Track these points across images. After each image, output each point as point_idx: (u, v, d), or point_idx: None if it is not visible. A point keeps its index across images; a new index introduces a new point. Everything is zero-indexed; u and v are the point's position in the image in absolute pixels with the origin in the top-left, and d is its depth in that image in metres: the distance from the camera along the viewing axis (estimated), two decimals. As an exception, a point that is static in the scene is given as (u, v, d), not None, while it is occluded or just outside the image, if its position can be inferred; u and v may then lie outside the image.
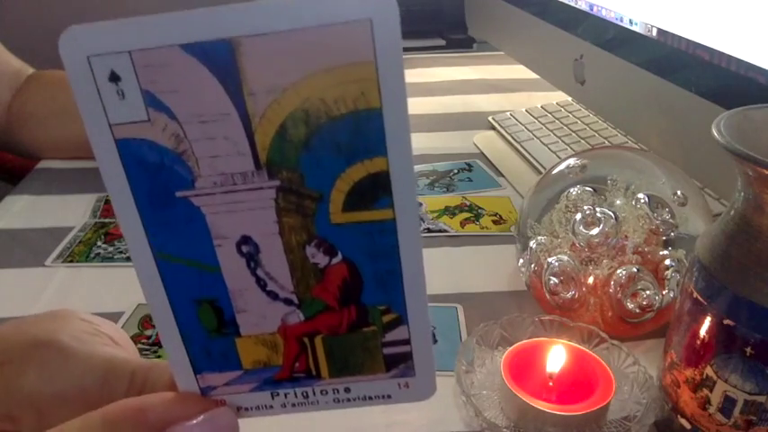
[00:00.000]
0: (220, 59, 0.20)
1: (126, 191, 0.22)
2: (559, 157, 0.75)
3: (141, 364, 0.29)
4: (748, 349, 0.33)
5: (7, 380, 0.29)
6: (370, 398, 0.26)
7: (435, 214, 0.68)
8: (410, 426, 0.43)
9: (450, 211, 0.69)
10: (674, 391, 0.39)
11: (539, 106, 0.90)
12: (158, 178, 0.22)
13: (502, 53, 1.06)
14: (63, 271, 0.60)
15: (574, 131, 0.82)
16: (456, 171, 0.78)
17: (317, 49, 0.20)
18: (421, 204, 0.70)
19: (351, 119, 0.21)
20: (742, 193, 0.34)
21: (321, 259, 0.23)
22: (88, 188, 0.73)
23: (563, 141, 0.80)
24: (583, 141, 0.79)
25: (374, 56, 0.20)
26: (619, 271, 0.47)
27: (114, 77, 0.20)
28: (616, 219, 0.47)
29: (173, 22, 0.20)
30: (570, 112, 0.87)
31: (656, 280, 0.47)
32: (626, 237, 0.48)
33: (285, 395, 0.26)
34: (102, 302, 0.54)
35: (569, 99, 0.89)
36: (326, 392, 0.26)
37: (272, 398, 0.26)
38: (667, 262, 0.47)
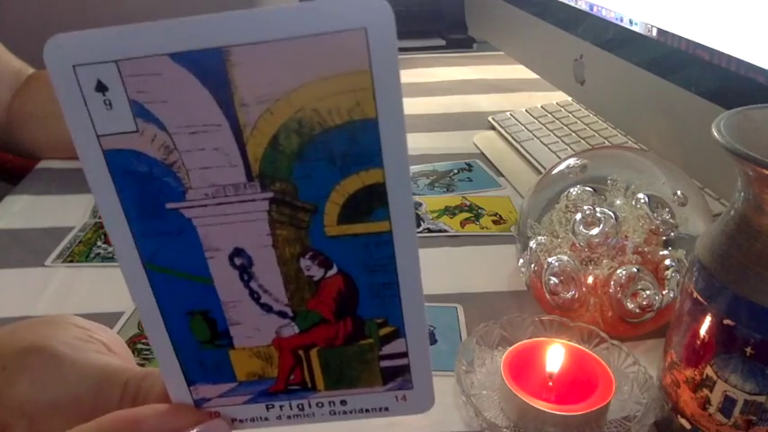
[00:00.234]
0: (211, 69, 0.20)
1: (115, 202, 0.22)
2: (559, 157, 0.75)
3: (135, 373, 0.28)
4: (748, 349, 0.33)
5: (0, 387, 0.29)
6: (367, 410, 0.26)
7: (435, 214, 0.68)
8: (410, 426, 0.43)
9: (450, 211, 0.69)
10: (674, 391, 0.39)
11: (539, 106, 0.90)
12: (148, 190, 0.22)
13: (502, 53, 1.06)
14: (63, 271, 0.60)
15: (574, 131, 0.82)
16: (456, 171, 0.78)
17: (311, 59, 0.20)
18: (421, 204, 0.70)
19: (346, 129, 0.21)
20: (742, 193, 0.34)
21: (316, 272, 0.23)
22: (88, 188, 0.73)
23: (563, 141, 0.80)
24: (583, 141, 0.79)
25: (369, 65, 0.20)
26: (619, 271, 0.47)
27: (101, 87, 0.20)
28: (616, 219, 0.47)
29: (161, 30, 0.19)
30: (570, 112, 0.87)
31: (656, 280, 0.47)
32: (626, 237, 0.48)
33: (280, 407, 0.26)
34: (102, 303, 0.54)
35: (569, 99, 0.89)
36: (322, 405, 0.26)
37: (267, 410, 0.26)
38: (667, 262, 0.47)
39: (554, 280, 0.49)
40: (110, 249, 0.62)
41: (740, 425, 0.35)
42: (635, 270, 0.47)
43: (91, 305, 0.54)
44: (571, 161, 0.54)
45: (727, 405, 0.35)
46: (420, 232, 0.65)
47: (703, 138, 0.49)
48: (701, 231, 0.40)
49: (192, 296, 0.24)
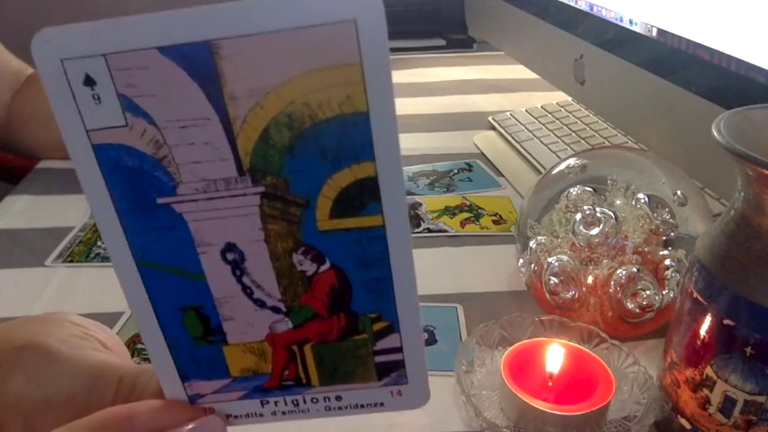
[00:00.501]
0: (199, 62, 0.20)
1: (105, 198, 0.22)
2: (559, 157, 0.75)
3: (129, 370, 0.28)
4: (748, 349, 0.33)
5: None
6: (362, 406, 0.26)
7: (435, 214, 0.68)
8: (410, 426, 0.43)
9: (450, 211, 0.69)
10: (674, 391, 0.39)
11: (539, 106, 0.90)
12: (138, 185, 0.21)
13: (502, 53, 1.06)
14: (63, 271, 0.60)
15: (574, 131, 0.82)
16: (456, 171, 0.78)
17: (301, 52, 0.19)
18: (421, 204, 0.70)
19: (337, 123, 0.20)
20: (742, 193, 0.34)
21: (309, 267, 0.23)
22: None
23: (563, 141, 0.80)
24: (583, 141, 0.79)
25: (360, 58, 0.19)
26: (619, 271, 0.47)
27: (89, 81, 0.20)
28: (616, 219, 0.47)
29: (150, 23, 0.19)
30: (570, 112, 0.87)
31: (656, 280, 0.47)
32: (626, 237, 0.48)
33: (275, 403, 0.26)
34: (101, 302, 0.54)
35: (569, 99, 0.89)
36: (317, 400, 0.26)
37: (262, 406, 0.26)
38: (667, 262, 0.47)
39: (554, 280, 0.49)
40: (106, 249, 0.62)
41: (740, 425, 0.35)
42: (635, 270, 0.47)
43: (91, 305, 0.54)
44: (571, 161, 0.54)
45: (727, 405, 0.35)
46: (420, 232, 0.65)
47: (703, 138, 0.49)
48: (700, 231, 0.40)
49: (185, 292, 0.23)
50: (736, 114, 0.35)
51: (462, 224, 0.66)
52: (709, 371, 0.36)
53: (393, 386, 0.25)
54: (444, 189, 0.74)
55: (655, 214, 0.48)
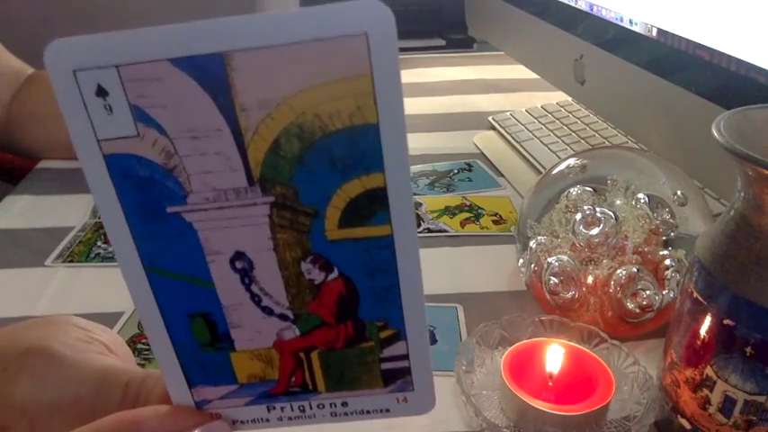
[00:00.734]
0: (211, 74, 0.20)
1: (115, 206, 0.22)
2: (559, 157, 0.75)
3: (135, 375, 0.28)
4: (748, 349, 0.33)
5: None
6: (368, 412, 0.26)
7: (435, 214, 0.68)
8: (410, 426, 0.43)
9: (450, 211, 0.69)
10: (674, 391, 0.39)
11: (539, 106, 0.90)
12: (149, 194, 0.22)
13: (502, 53, 1.06)
14: (63, 271, 0.60)
15: (574, 131, 0.82)
16: (456, 171, 0.78)
17: (312, 64, 0.20)
18: (421, 204, 0.70)
19: (347, 134, 0.21)
20: (742, 193, 0.34)
21: (317, 275, 0.23)
22: (88, 188, 0.73)
23: (563, 141, 0.80)
24: (583, 141, 0.79)
25: (370, 70, 0.20)
26: (619, 271, 0.47)
27: (101, 92, 0.20)
28: (616, 219, 0.47)
29: (162, 35, 0.19)
30: (570, 112, 0.87)
31: (656, 280, 0.47)
32: (626, 237, 0.48)
33: (281, 409, 0.26)
34: (102, 303, 0.54)
35: (569, 99, 0.89)
36: (323, 406, 0.26)
37: (269, 411, 0.26)
38: (667, 262, 0.47)
39: (554, 280, 0.49)
40: (110, 249, 0.62)
41: (740, 425, 0.35)
42: (635, 270, 0.47)
43: (91, 305, 0.54)
44: (571, 161, 0.54)
45: (727, 405, 0.35)
46: (420, 232, 0.65)
47: (703, 138, 0.49)
48: (700, 231, 0.40)
49: (193, 299, 0.24)
50: (736, 114, 0.35)
51: (462, 224, 0.66)
52: (709, 371, 0.36)
53: (399, 393, 0.26)
54: (444, 189, 0.74)
55: (655, 214, 0.48)
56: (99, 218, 0.68)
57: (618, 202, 0.49)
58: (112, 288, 0.57)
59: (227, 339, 0.24)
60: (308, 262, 0.23)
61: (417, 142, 0.86)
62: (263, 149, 0.21)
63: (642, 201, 0.48)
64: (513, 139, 0.82)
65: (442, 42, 1.50)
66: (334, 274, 0.23)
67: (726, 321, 0.34)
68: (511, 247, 0.59)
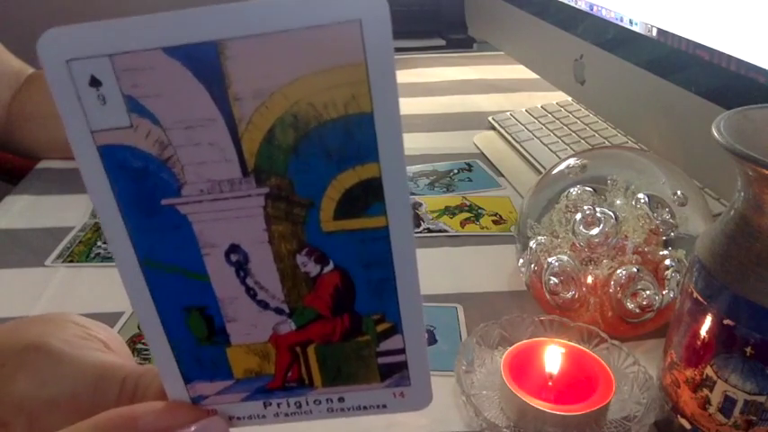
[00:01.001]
0: (205, 63, 0.20)
1: (109, 198, 0.22)
2: (559, 157, 0.75)
3: (133, 371, 0.28)
4: (748, 349, 0.33)
5: None
6: (365, 407, 0.26)
7: (435, 214, 0.68)
8: (410, 426, 0.43)
9: (450, 211, 0.69)
10: (674, 391, 0.39)
11: (539, 106, 0.90)
12: (143, 185, 0.21)
13: (502, 53, 1.06)
14: (63, 271, 0.60)
15: (574, 131, 0.82)
16: (456, 171, 0.78)
17: (306, 52, 0.19)
18: (421, 204, 0.70)
19: (341, 124, 0.20)
20: (742, 193, 0.34)
21: (312, 268, 0.23)
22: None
23: (563, 141, 0.80)
24: (583, 141, 0.79)
25: (365, 58, 0.19)
26: (619, 271, 0.47)
27: (95, 82, 0.20)
28: (616, 219, 0.47)
29: (155, 24, 0.19)
30: (570, 112, 0.87)
31: (656, 280, 0.47)
32: (626, 237, 0.48)
33: (278, 404, 0.26)
34: (101, 302, 0.54)
35: (569, 99, 0.89)
36: (320, 402, 0.26)
37: (265, 407, 0.26)
38: (667, 262, 0.47)
39: (554, 280, 0.49)
40: (110, 249, 0.62)
41: (740, 425, 0.35)
42: (635, 270, 0.47)
43: (91, 305, 0.54)
44: (571, 161, 0.54)
45: (727, 405, 0.35)
46: (420, 232, 0.65)
47: (703, 138, 0.49)
48: (700, 231, 0.40)
49: (189, 293, 0.23)
50: (736, 114, 0.35)
51: (462, 224, 0.66)
52: (709, 371, 0.36)
53: (396, 388, 0.25)
54: (444, 189, 0.74)
55: (655, 214, 0.48)
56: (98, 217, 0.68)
57: (618, 202, 0.49)
58: (112, 288, 0.56)
59: (222, 334, 0.24)
60: (303, 254, 0.23)
61: (417, 142, 0.86)
62: (258, 139, 0.21)
63: (642, 201, 0.48)
64: (513, 139, 0.82)
65: (442, 42, 1.50)
66: (330, 266, 0.23)
67: (726, 321, 0.34)
68: (511, 247, 0.59)
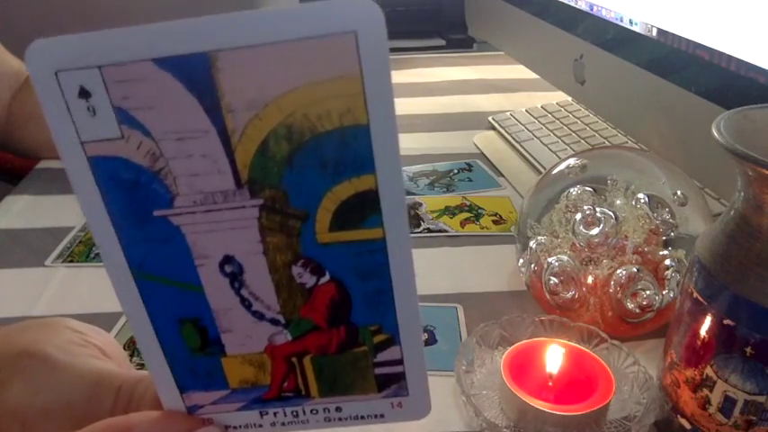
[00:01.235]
0: (196, 74, 0.19)
1: (101, 210, 0.21)
2: (559, 157, 0.75)
3: (128, 378, 0.28)
4: (748, 349, 0.33)
5: None
6: (362, 417, 0.26)
7: (435, 214, 0.68)
8: (409, 426, 0.43)
9: (450, 211, 0.69)
10: (674, 391, 0.39)
11: (539, 106, 0.90)
12: (135, 197, 0.21)
13: (502, 53, 1.06)
14: (63, 271, 0.60)
15: (574, 131, 0.82)
16: (456, 171, 0.78)
17: (300, 64, 0.19)
18: (421, 204, 0.70)
19: (337, 135, 0.20)
20: (742, 193, 0.34)
21: (308, 279, 0.23)
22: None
23: (563, 141, 0.79)
24: (583, 141, 0.79)
25: (360, 70, 0.19)
26: (619, 271, 0.47)
27: (84, 93, 0.20)
28: (616, 219, 0.47)
29: (145, 35, 0.19)
30: (570, 112, 0.87)
31: (656, 280, 0.47)
32: (626, 237, 0.48)
33: (274, 414, 0.26)
34: (101, 303, 0.54)
35: (569, 99, 0.89)
36: (317, 411, 0.26)
37: (261, 417, 0.26)
38: (667, 262, 0.47)
39: (554, 280, 0.49)
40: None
41: (740, 425, 0.35)
42: (635, 270, 0.47)
43: (91, 305, 0.54)
44: (571, 161, 0.54)
45: (727, 405, 0.35)
46: (420, 232, 0.65)
47: (703, 138, 0.49)
48: (700, 231, 0.40)
49: (183, 304, 0.23)
50: (736, 114, 0.35)
51: (462, 224, 0.66)
52: (709, 371, 0.36)
53: (393, 398, 0.25)
54: (444, 189, 0.74)
55: (655, 214, 0.48)
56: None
57: (618, 202, 0.49)
58: (112, 288, 0.56)
59: (217, 344, 0.24)
60: (298, 266, 0.23)
61: (417, 142, 0.86)
62: (251, 151, 0.21)
63: (642, 201, 0.48)
64: (513, 139, 0.82)
65: (442, 42, 1.50)
66: (326, 277, 0.23)
67: (726, 321, 0.34)
68: (511, 247, 0.59)
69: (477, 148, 0.84)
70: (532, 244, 0.52)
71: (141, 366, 0.45)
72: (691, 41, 0.55)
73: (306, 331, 0.24)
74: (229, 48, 0.19)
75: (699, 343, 0.36)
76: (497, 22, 1.00)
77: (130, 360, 0.34)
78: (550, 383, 0.42)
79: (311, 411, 0.26)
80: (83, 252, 0.62)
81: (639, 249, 0.48)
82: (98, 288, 0.57)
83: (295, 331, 0.24)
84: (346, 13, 0.19)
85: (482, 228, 0.66)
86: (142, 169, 0.21)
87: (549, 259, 0.49)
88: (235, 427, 0.26)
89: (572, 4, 0.75)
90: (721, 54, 0.51)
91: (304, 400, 0.25)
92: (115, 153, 0.21)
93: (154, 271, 0.23)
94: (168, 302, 0.23)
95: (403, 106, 0.98)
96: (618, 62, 0.66)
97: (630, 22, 0.64)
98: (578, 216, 0.48)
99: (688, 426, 0.38)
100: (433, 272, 0.58)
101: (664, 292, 0.47)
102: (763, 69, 0.47)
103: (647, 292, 0.46)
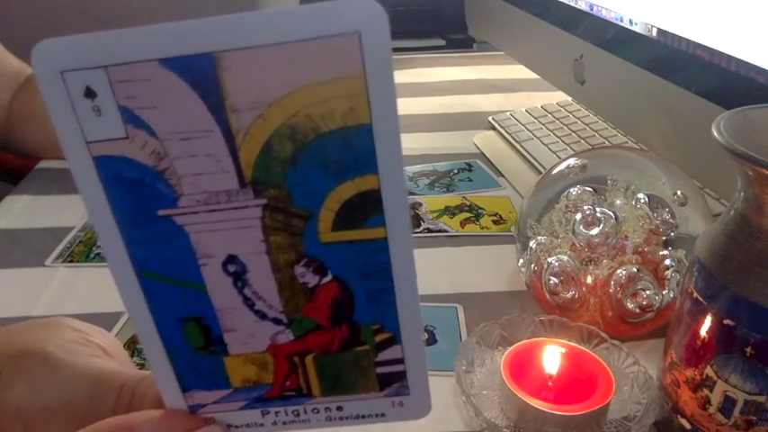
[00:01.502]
0: (201, 75, 0.19)
1: (105, 209, 0.22)
2: (559, 157, 0.75)
3: (130, 377, 0.28)
4: (748, 349, 0.33)
5: None
6: (364, 416, 0.26)
7: (435, 214, 0.68)
8: (409, 426, 0.43)
9: (450, 211, 0.69)
10: (674, 391, 0.39)
11: (539, 106, 0.90)
12: (139, 196, 0.21)
13: (502, 53, 1.06)
14: (63, 271, 0.60)
15: (574, 131, 0.82)
16: (456, 171, 0.78)
17: (303, 64, 0.19)
18: (421, 204, 0.70)
19: (340, 135, 0.20)
20: (742, 193, 0.34)
21: (311, 279, 0.23)
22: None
23: (563, 141, 0.80)
24: (583, 141, 0.79)
25: (363, 70, 0.19)
26: (619, 271, 0.47)
27: (90, 93, 0.20)
28: (616, 219, 0.47)
29: (151, 35, 0.19)
30: (570, 112, 0.87)
31: (656, 280, 0.47)
32: (626, 237, 0.48)
33: (276, 413, 0.26)
34: (102, 303, 0.54)
35: (569, 99, 0.89)
36: (318, 411, 0.26)
37: (263, 416, 0.26)
38: (667, 262, 0.47)
39: (554, 280, 0.49)
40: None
41: (740, 425, 0.35)
42: (635, 270, 0.47)
43: (91, 305, 0.54)
44: (571, 161, 0.54)
45: (727, 405, 0.35)
46: (420, 232, 0.65)
47: (703, 138, 0.49)
48: (700, 231, 0.40)
49: (186, 303, 0.23)
50: (736, 114, 0.35)
51: (462, 224, 0.66)
52: (709, 371, 0.36)
53: (395, 397, 0.25)
54: (444, 189, 0.74)
55: (655, 214, 0.48)
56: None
57: (618, 202, 0.49)
58: (113, 288, 0.56)
59: (220, 343, 0.24)
60: (301, 265, 0.23)
61: (417, 142, 0.86)
62: (255, 151, 0.21)
63: (642, 201, 0.48)
64: (513, 139, 0.82)
65: (442, 42, 1.50)
66: (329, 277, 0.23)
67: (726, 321, 0.34)
68: (511, 247, 0.59)
69: (477, 148, 0.84)
70: (532, 244, 0.52)
71: (141, 366, 0.45)
72: (691, 41, 0.55)
73: (308, 330, 0.24)
74: (234, 48, 0.19)
75: (699, 343, 0.36)
76: (497, 22, 1.00)
77: (130, 360, 0.34)
78: (550, 383, 0.42)
79: (313, 410, 0.26)
80: (83, 252, 0.62)
81: (639, 249, 0.48)
82: (98, 288, 0.57)
83: (297, 330, 0.24)
84: (350, 14, 0.19)
85: (482, 228, 0.66)
86: (147, 169, 0.21)
87: (549, 259, 0.49)
88: (236, 427, 0.26)
89: (572, 4, 0.75)
90: (721, 54, 0.51)
91: (306, 399, 0.25)
92: (120, 153, 0.21)
93: (157, 270, 0.23)
94: (171, 301, 0.23)
95: (403, 106, 0.98)
96: (618, 62, 0.66)
97: (630, 22, 0.64)
98: (578, 216, 0.48)
99: (688, 426, 0.38)
100: (433, 272, 0.58)
101: (664, 292, 0.47)
102: (763, 69, 0.47)
103: (647, 292, 0.46)
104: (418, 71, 1.16)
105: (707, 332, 0.35)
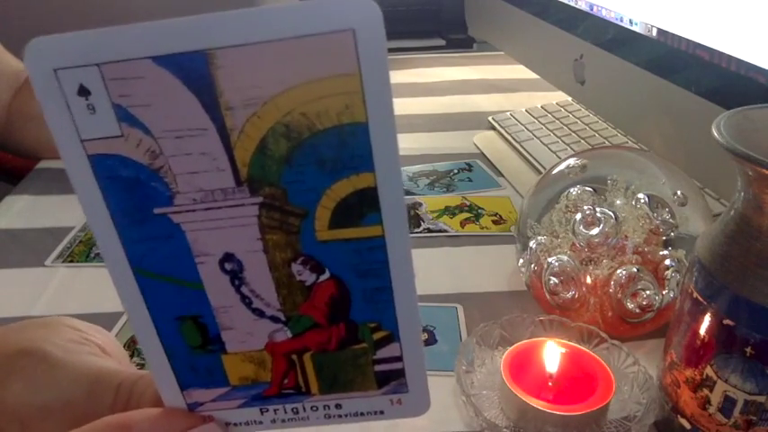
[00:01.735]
0: (195, 72, 0.19)
1: (101, 208, 0.21)
2: (559, 157, 0.75)
3: (128, 376, 0.28)
4: (748, 349, 0.33)
5: None
6: (362, 414, 0.26)
7: (435, 214, 0.68)
8: (410, 426, 0.43)
9: (450, 211, 0.69)
10: (674, 391, 0.39)
11: (539, 106, 0.90)
12: (135, 195, 0.21)
13: (502, 53, 1.06)
14: (63, 271, 0.60)
15: (574, 131, 0.82)
16: (456, 171, 0.78)
17: (298, 62, 0.19)
18: (421, 204, 0.70)
19: (335, 133, 0.20)
20: (742, 193, 0.34)
21: (308, 277, 0.23)
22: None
23: (563, 141, 0.79)
24: (583, 141, 0.79)
25: (358, 67, 0.19)
26: (619, 271, 0.47)
27: (83, 91, 0.20)
28: (616, 219, 0.47)
29: (144, 32, 0.19)
30: (570, 112, 0.87)
31: (656, 280, 0.47)
32: (626, 237, 0.48)
33: (275, 411, 0.26)
34: (102, 303, 0.54)
35: (569, 99, 0.89)
36: (317, 408, 0.26)
37: (262, 414, 0.26)
38: (667, 262, 0.47)
39: (554, 280, 0.49)
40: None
41: (740, 425, 0.35)
42: (635, 270, 0.47)
43: (91, 305, 0.54)
44: (571, 161, 0.54)
45: (727, 405, 0.35)
46: (420, 232, 0.65)
47: (703, 138, 0.49)
48: (700, 231, 0.40)
49: (183, 301, 0.23)
50: (736, 114, 0.35)
51: (462, 224, 0.66)
52: (709, 371, 0.36)
53: (393, 394, 0.25)
54: (444, 189, 0.74)
55: (655, 214, 0.48)
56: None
57: (618, 202, 0.49)
58: (112, 288, 0.56)
59: (217, 342, 0.24)
60: (298, 263, 0.23)
61: (417, 142, 0.86)
62: (251, 149, 0.21)
63: (642, 201, 0.48)
64: (513, 139, 0.82)
65: (442, 42, 1.50)
66: (326, 275, 0.23)
67: (726, 321, 0.34)
68: (511, 247, 0.59)
69: (477, 148, 0.84)
70: (532, 244, 0.52)
71: (141, 366, 0.45)
72: (691, 41, 0.55)
73: (306, 328, 0.24)
74: (228, 45, 0.19)
75: (699, 343, 0.36)
76: (497, 22, 1.00)
77: (130, 360, 0.34)
78: (550, 383, 0.42)
79: (311, 408, 0.26)
80: (83, 252, 0.62)
81: (639, 249, 0.48)
82: (98, 288, 0.57)
83: (295, 328, 0.24)
84: (344, 11, 0.19)
85: (482, 228, 0.66)
86: (142, 167, 0.21)
87: (549, 259, 0.49)
88: (235, 424, 0.26)
89: (572, 4, 0.75)
90: (721, 54, 0.51)
91: (304, 396, 0.25)
92: (115, 151, 0.21)
93: (154, 269, 0.23)
94: (169, 300, 0.23)
95: (403, 106, 0.98)
96: (618, 62, 0.66)
97: (630, 22, 0.64)
98: (578, 216, 0.48)
99: (688, 426, 0.38)
100: (433, 272, 0.58)
101: (664, 292, 0.47)
102: (763, 69, 0.47)
103: (647, 292, 0.46)
104: (418, 71, 1.16)
105: (707, 332, 0.35)
